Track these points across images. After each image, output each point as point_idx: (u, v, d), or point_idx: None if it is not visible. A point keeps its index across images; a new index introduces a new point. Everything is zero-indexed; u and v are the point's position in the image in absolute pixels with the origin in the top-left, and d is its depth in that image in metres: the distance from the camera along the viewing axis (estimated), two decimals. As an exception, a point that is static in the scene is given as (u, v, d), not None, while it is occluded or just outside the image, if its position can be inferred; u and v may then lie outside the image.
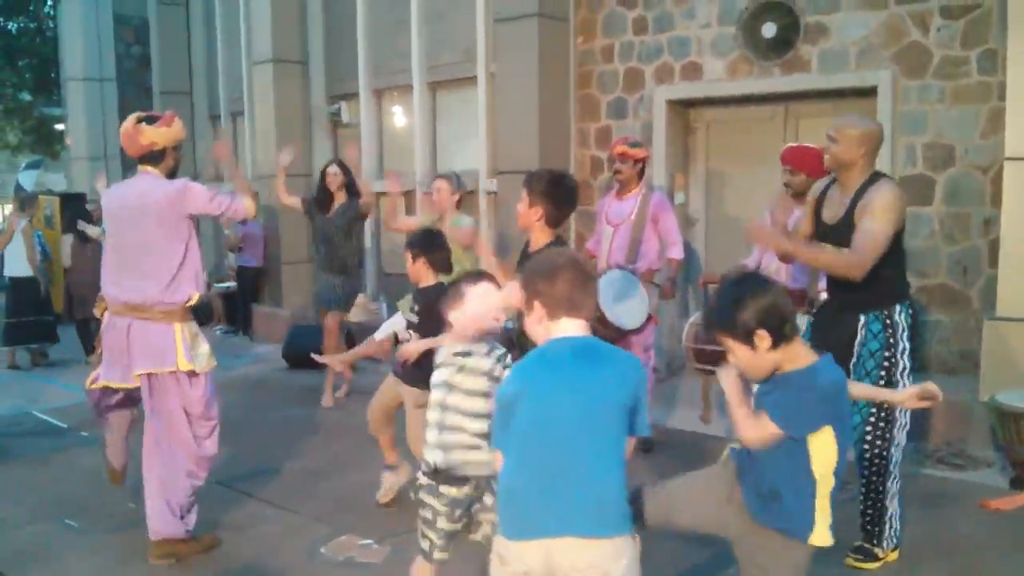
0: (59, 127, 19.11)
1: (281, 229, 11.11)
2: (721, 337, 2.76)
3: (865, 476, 4.28)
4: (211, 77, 13.81)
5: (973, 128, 6.55)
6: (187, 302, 4.46)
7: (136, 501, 5.30)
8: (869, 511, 4.30)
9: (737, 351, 2.72)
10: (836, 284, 4.28)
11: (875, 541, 4.30)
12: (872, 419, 4.18)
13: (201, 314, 12.48)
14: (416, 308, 4.82)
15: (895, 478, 4.26)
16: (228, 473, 5.82)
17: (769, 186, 7.02)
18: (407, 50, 10.04)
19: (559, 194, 4.38)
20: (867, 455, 4.23)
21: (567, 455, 2.53)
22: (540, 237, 4.41)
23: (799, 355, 2.74)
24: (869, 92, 6.89)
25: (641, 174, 6.35)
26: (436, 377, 3.33)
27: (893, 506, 4.27)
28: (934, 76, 6.65)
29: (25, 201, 10.73)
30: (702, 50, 7.69)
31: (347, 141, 9.75)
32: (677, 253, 6.33)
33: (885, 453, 4.21)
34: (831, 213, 4.28)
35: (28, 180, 18.88)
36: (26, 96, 24.43)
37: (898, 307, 4.16)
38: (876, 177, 4.18)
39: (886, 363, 4.13)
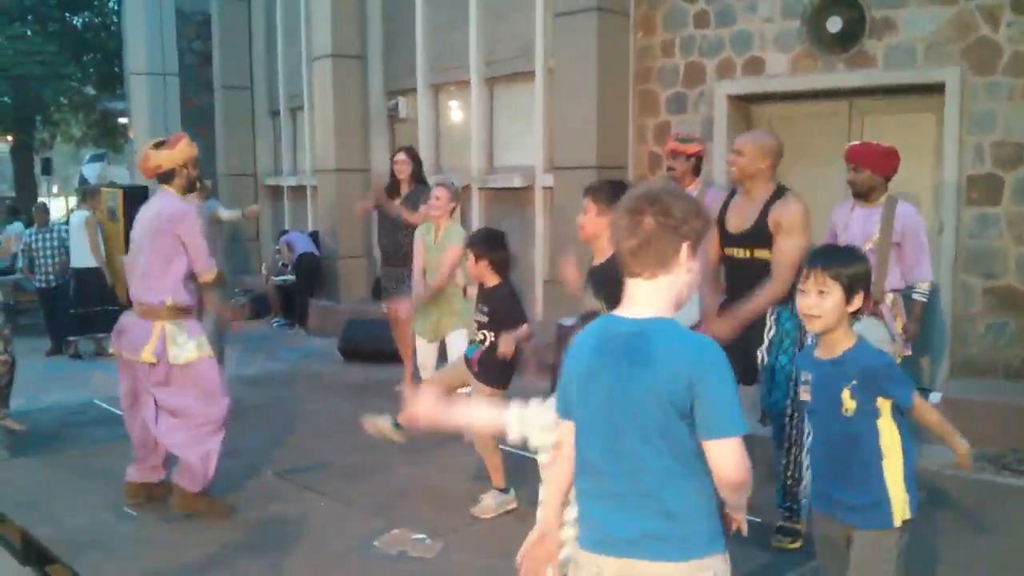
0: (122, 121, 19.40)
1: (338, 224, 11.18)
2: (828, 276, 2.84)
3: (786, 450, 4.53)
4: (271, 72, 13.96)
5: (1044, 126, 6.36)
6: (164, 304, 4.95)
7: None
8: (791, 486, 4.53)
9: (831, 296, 2.83)
10: (741, 285, 4.62)
11: (795, 517, 4.54)
12: (792, 396, 4.41)
13: (259, 306, 12.69)
14: (485, 309, 4.89)
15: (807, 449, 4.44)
16: (284, 465, 5.86)
17: (832, 183, 6.90)
18: (465, 45, 10.03)
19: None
20: (788, 431, 4.50)
21: (624, 465, 2.26)
22: (604, 247, 4.23)
23: (848, 334, 2.92)
24: (936, 89, 6.73)
25: (697, 170, 6.26)
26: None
27: (808, 477, 4.38)
28: (1004, 73, 6.46)
29: (86, 193, 10.93)
30: (765, 44, 7.56)
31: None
32: None
33: (802, 425, 4.41)
34: (737, 222, 4.62)
35: (91, 173, 19.28)
36: (90, 90, 24.96)
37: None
38: (782, 191, 4.53)
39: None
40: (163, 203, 5.02)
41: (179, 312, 4.98)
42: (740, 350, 4.32)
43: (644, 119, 8.46)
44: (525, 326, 4.95)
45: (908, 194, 5.54)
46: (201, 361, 5.00)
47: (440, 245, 6.47)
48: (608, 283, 4.09)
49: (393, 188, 7.87)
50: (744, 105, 8.00)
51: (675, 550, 2.22)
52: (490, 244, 5.00)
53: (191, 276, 5.04)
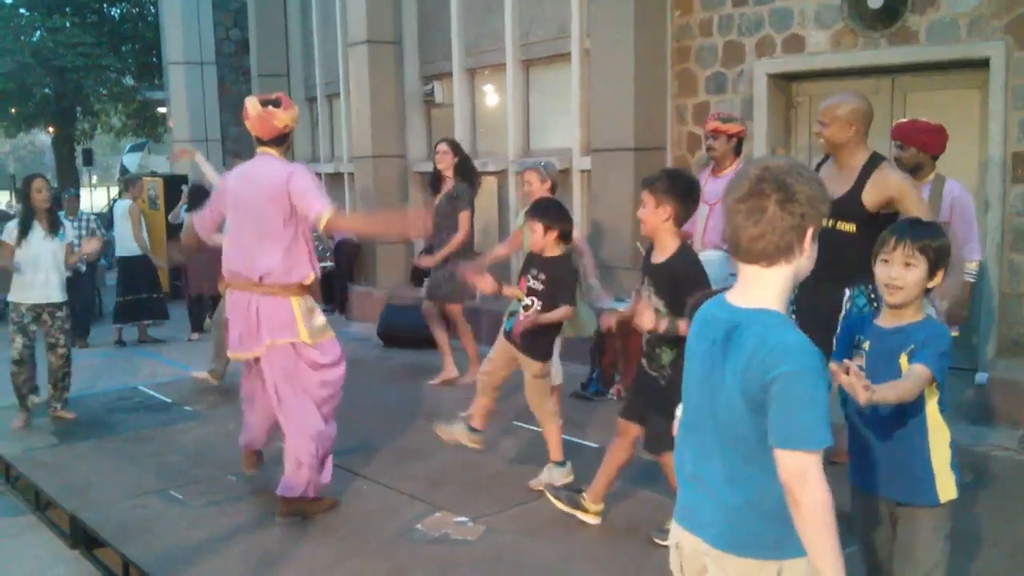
0: (161, 110, 19.60)
1: (375, 210, 11.20)
2: (916, 249, 2.81)
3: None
4: (307, 59, 14.01)
5: (1093, 101, 6.23)
6: (303, 281, 4.72)
7: (237, 474, 5.44)
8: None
9: (917, 269, 2.81)
10: (821, 255, 4.41)
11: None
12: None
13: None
14: (543, 277, 4.86)
15: None
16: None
17: (874, 162, 6.80)
18: (500, 28, 10.00)
19: (683, 190, 4.08)
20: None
21: (705, 452, 2.21)
22: (667, 241, 4.12)
23: (919, 309, 2.90)
24: (980, 64, 6.60)
25: (738, 150, 6.19)
26: None
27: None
28: (1051, 46, 6.33)
29: (129, 183, 11.06)
30: (805, 22, 7.46)
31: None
32: None
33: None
34: (831, 190, 4.37)
35: (132, 162, 19.48)
36: (129, 80, 25.21)
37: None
38: (877, 159, 4.40)
39: None
40: (272, 167, 4.70)
41: (304, 288, 4.79)
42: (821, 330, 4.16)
43: (683, 99, 8.38)
44: (570, 307, 4.92)
45: (952, 172, 5.43)
46: (327, 341, 4.90)
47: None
48: (669, 285, 4.05)
49: (436, 180, 7.73)
50: (784, 83, 7.90)
51: (734, 544, 2.14)
52: (560, 215, 4.99)
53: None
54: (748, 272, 2.14)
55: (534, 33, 9.73)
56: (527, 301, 4.92)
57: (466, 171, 7.65)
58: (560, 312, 4.84)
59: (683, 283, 3.93)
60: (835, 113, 4.39)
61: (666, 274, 4.08)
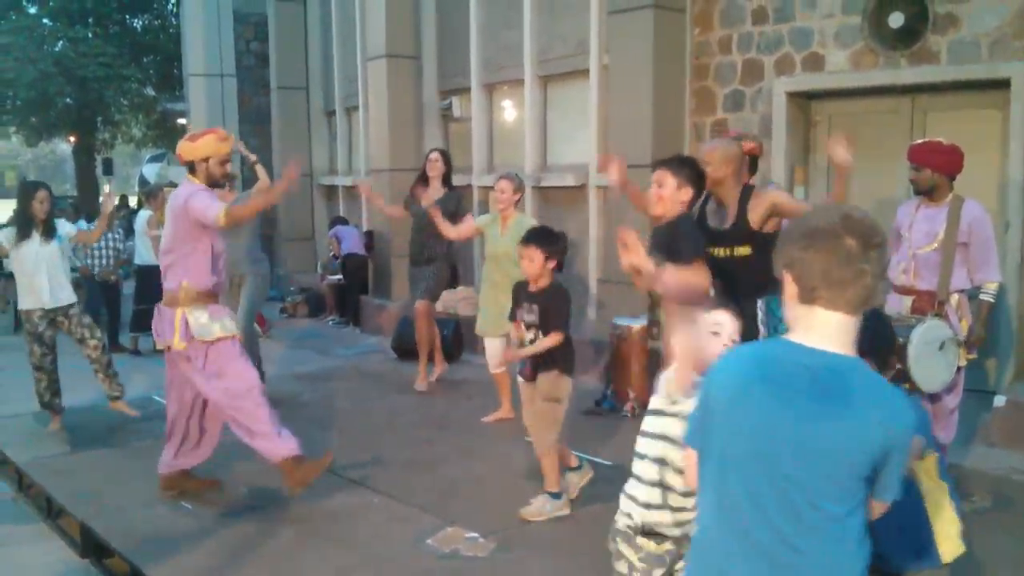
0: (181, 121, 19.69)
1: (391, 223, 11.19)
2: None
3: None
4: (327, 73, 14.07)
5: (1116, 122, 6.17)
6: (181, 288, 5.17)
7: (247, 485, 5.43)
8: None
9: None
10: (724, 281, 4.69)
11: None
12: None
13: (314, 305, 12.82)
14: (535, 308, 4.85)
15: None
16: (339, 460, 5.88)
17: (894, 181, 6.77)
18: (519, 44, 10.00)
19: (701, 175, 4.53)
20: None
21: (778, 523, 1.95)
22: (671, 213, 4.47)
23: None
24: (1001, 85, 6.56)
25: (753, 169, 6.16)
26: (653, 426, 2.96)
27: None
28: (1074, 67, 6.29)
29: (149, 194, 11.10)
30: (825, 40, 7.44)
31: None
32: None
33: None
34: (714, 222, 4.87)
35: (151, 173, 19.60)
36: (150, 91, 25.39)
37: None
38: (748, 188, 4.86)
39: None
40: (183, 191, 5.26)
41: (199, 296, 5.21)
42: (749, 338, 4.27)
43: (701, 117, 8.36)
44: (560, 335, 4.87)
45: (972, 192, 5.39)
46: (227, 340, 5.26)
47: (511, 238, 6.36)
48: (667, 242, 4.27)
49: (418, 186, 8.08)
50: (803, 102, 7.87)
51: None
52: (560, 243, 5.04)
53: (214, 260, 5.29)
54: (824, 317, 1.99)
55: (553, 49, 9.74)
56: (530, 336, 4.93)
57: (450, 182, 8.06)
58: (549, 340, 4.83)
59: (680, 240, 4.28)
60: (713, 154, 4.79)
61: (666, 233, 4.38)
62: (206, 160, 5.27)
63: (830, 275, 1.94)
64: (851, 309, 1.97)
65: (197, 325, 5.13)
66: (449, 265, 8.25)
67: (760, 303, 4.67)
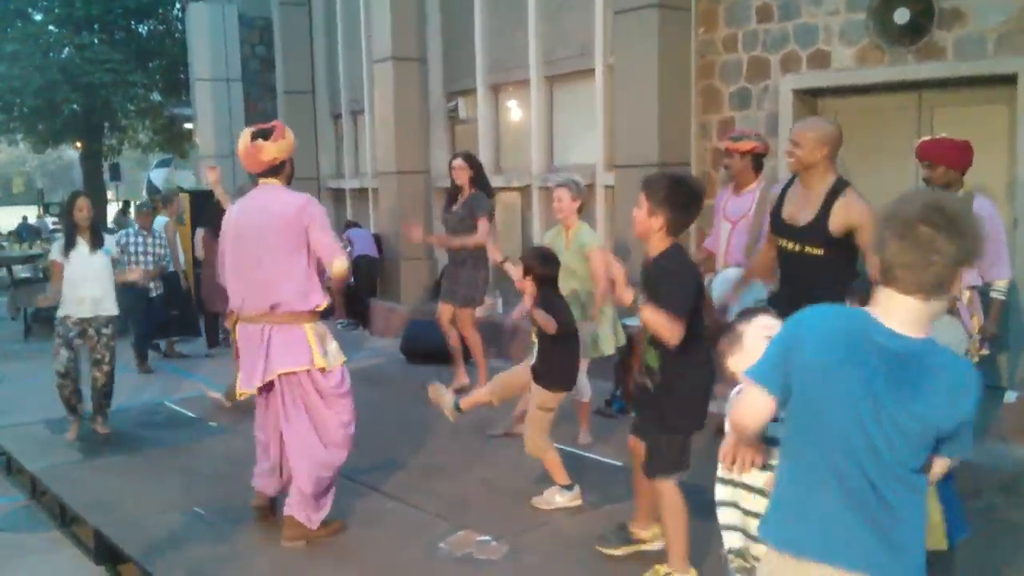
0: (188, 126, 19.74)
1: (399, 226, 11.22)
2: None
3: None
4: (332, 76, 14.09)
5: (1124, 117, 6.15)
6: (316, 307, 4.67)
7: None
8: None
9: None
10: (794, 278, 4.59)
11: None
12: None
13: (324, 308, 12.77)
14: (536, 330, 5.02)
15: None
16: (350, 465, 5.87)
17: (901, 178, 6.75)
18: (524, 45, 10.01)
19: (682, 200, 3.94)
20: None
21: (854, 483, 2.17)
22: (658, 246, 4.01)
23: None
24: (1008, 80, 6.54)
25: (758, 167, 6.14)
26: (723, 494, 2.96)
27: None
28: (1081, 62, 6.27)
29: (165, 199, 11.11)
30: (830, 38, 7.43)
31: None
32: None
33: None
34: (791, 212, 4.58)
35: (159, 178, 19.62)
36: (156, 96, 25.44)
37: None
38: (842, 185, 4.46)
39: None
40: (278, 196, 4.70)
41: (316, 315, 4.73)
42: None
43: (707, 115, 8.36)
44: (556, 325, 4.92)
45: (980, 189, 5.38)
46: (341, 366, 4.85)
47: (576, 252, 6.08)
48: (652, 282, 4.00)
49: (454, 194, 7.81)
50: (810, 99, 7.86)
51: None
52: (550, 267, 5.12)
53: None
54: (899, 300, 2.16)
55: (558, 50, 9.74)
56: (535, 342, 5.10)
57: (483, 183, 7.76)
58: (551, 323, 4.85)
59: (660, 282, 3.92)
60: (806, 135, 4.46)
61: (650, 272, 4.03)
62: (290, 159, 4.84)
63: (902, 259, 2.09)
64: (924, 295, 2.11)
65: (332, 347, 4.74)
66: (483, 265, 7.77)
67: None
